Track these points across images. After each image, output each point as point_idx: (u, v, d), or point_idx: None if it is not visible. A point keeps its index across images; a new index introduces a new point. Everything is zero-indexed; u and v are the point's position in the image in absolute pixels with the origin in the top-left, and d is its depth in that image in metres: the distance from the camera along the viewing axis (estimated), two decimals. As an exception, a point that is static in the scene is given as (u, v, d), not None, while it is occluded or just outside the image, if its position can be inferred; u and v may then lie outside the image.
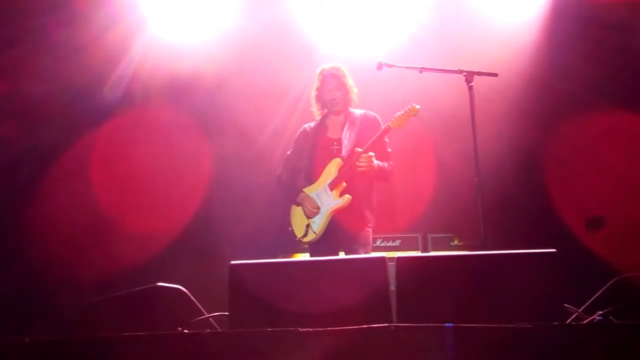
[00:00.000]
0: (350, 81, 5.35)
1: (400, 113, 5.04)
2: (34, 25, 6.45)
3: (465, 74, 4.93)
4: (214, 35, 7.18)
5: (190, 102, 7.22)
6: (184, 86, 7.15)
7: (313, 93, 5.43)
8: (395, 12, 7.18)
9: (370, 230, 5.12)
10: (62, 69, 6.56)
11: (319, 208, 5.09)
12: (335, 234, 5.06)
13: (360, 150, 4.99)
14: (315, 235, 5.07)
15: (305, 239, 5.13)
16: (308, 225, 5.11)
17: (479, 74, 4.94)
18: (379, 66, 5.18)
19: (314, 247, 5.16)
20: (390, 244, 6.72)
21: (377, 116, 5.32)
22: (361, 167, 4.96)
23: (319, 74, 5.40)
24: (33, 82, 6.46)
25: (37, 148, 6.51)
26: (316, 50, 7.09)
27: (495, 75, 5.01)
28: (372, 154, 4.99)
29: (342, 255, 5.03)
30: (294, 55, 7.19)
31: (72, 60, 6.61)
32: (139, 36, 7.02)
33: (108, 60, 6.90)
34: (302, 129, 5.46)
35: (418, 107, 5.02)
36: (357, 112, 5.34)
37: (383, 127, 5.07)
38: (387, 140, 5.17)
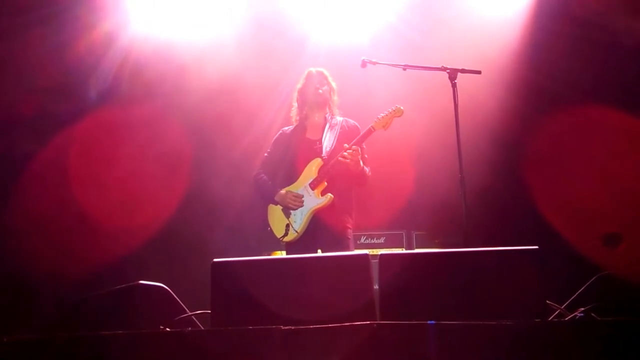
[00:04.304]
0: (334, 86, 5.40)
1: (384, 114, 5.04)
2: (16, 24, 6.39)
3: (448, 71, 4.95)
4: (200, 33, 7.17)
5: (173, 100, 7.19)
6: (167, 84, 7.12)
7: (295, 94, 5.45)
8: (379, 9, 7.19)
9: (350, 231, 5.12)
10: (43, 68, 6.52)
11: (301, 198, 5.07)
12: (314, 233, 5.05)
13: (347, 145, 4.99)
14: (296, 234, 5.05)
15: (286, 239, 5.10)
16: (288, 225, 5.09)
17: (463, 71, 4.96)
18: (363, 64, 5.19)
19: (292, 247, 5.14)
20: (374, 241, 6.72)
21: (357, 124, 5.35)
22: (347, 160, 4.94)
23: (304, 74, 5.42)
24: (15, 79, 6.41)
25: (18, 146, 6.46)
26: (303, 50, 7.11)
27: (479, 72, 5.03)
28: (359, 149, 5.00)
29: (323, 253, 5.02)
30: (280, 54, 7.19)
31: (53, 58, 6.57)
32: (123, 34, 6.99)
33: (91, 58, 6.86)
34: (280, 131, 5.47)
35: (402, 108, 5.03)
36: (338, 117, 5.36)
37: (367, 128, 5.07)
38: (364, 146, 5.17)
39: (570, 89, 6.65)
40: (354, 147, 4.97)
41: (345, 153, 4.96)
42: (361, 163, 5.03)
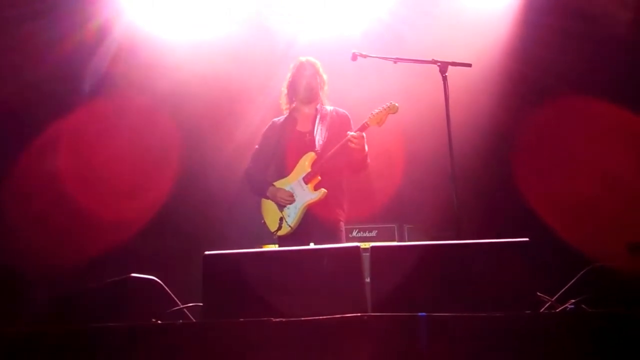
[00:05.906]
0: (324, 76, 5.37)
1: (379, 110, 5.01)
2: (9, 17, 6.36)
3: (439, 64, 4.93)
4: (193, 27, 7.17)
5: (166, 94, 7.17)
6: (160, 78, 7.11)
7: (285, 83, 5.42)
8: (370, 3, 7.19)
9: (342, 224, 5.13)
10: (35, 62, 6.50)
11: (292, 196, 5.07)
12: (308, 227, 5.05)
13: (353, 133, 4.97)
14: (290, 228, 5.06)
15: (280, 233, 5.11)
16: (282, 219, 5.09)
17: (453, 64, 4.95)
18: (354, 56, 5.17)
19: (284, 240, 5.14)
20: (366, 234, 6.72)
21: (347, 113, 5.34)
22: (354, 145, 4.93)
23: (295, 63, 5.40)
24: (8, 73, 6.39)
25: (10, 140, 6.44)
26: (294, 43, 7.11)
27: (469, 65, 5.02)
28: (364, 134, 4.98)
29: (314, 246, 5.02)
30: (272, 48, 7.18)
31: (46, 52, 6.55)
32: (116, 28, 6.97)
33: (84, 52, 6.84)
34: (270, 123, 5.46)
35: (397, 104, 5.00)
36: (327, 107, 5.35)
37: (361, 124, 5.04)
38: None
39: (561, 81, 6.67)
40: (357, 134, 4.95)
41: (351, 137, 4.93)
42: (366, 148, 5.03)
